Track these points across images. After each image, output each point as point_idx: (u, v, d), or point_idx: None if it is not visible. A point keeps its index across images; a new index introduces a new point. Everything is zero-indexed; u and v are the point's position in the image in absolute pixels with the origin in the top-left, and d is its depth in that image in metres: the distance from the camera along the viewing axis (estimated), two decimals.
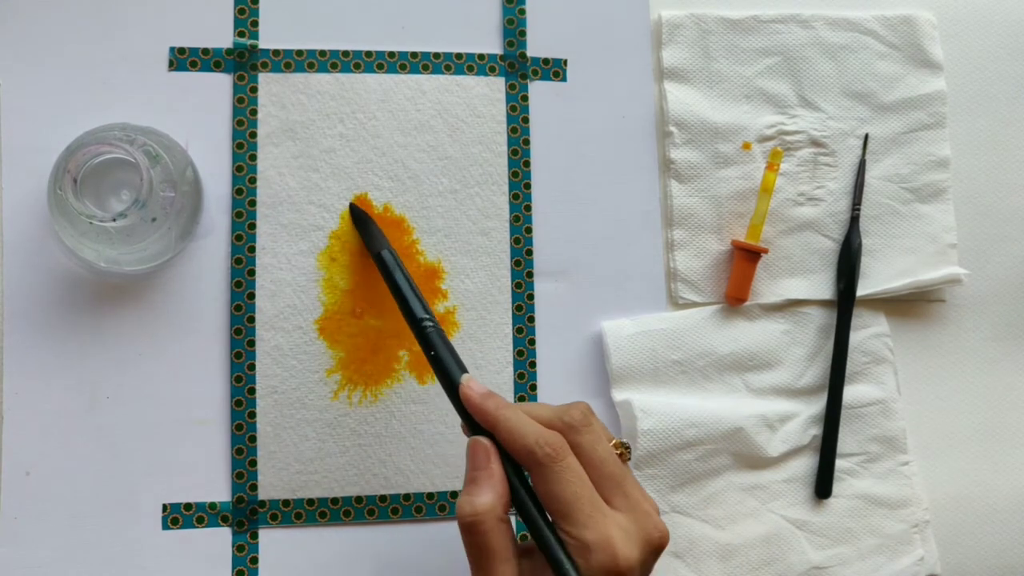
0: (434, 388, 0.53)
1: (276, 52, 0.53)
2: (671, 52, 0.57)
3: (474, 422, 0.41)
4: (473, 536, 0.38)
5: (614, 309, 0.55)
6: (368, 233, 0.51)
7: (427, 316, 0.46)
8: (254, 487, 0.51)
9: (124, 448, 0.50)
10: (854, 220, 0.57)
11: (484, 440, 0.40)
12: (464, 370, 0.43)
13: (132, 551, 0.49)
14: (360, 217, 0.52)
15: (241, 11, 0.54)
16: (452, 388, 0.42)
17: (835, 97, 0.58)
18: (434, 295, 0.53)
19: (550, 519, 0.38)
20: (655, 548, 0.39)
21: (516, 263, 0.55)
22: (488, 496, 0.38)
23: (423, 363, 0.53)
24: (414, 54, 0.55)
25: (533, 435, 0.38)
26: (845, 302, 0.56)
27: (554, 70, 0.56)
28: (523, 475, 0.40)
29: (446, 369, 0.43)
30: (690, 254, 0.56)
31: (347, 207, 0.53)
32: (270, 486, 0.51)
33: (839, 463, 0.56)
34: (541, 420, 0.40)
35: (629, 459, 0.42)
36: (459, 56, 0.55)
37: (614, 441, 0.41)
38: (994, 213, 0.60)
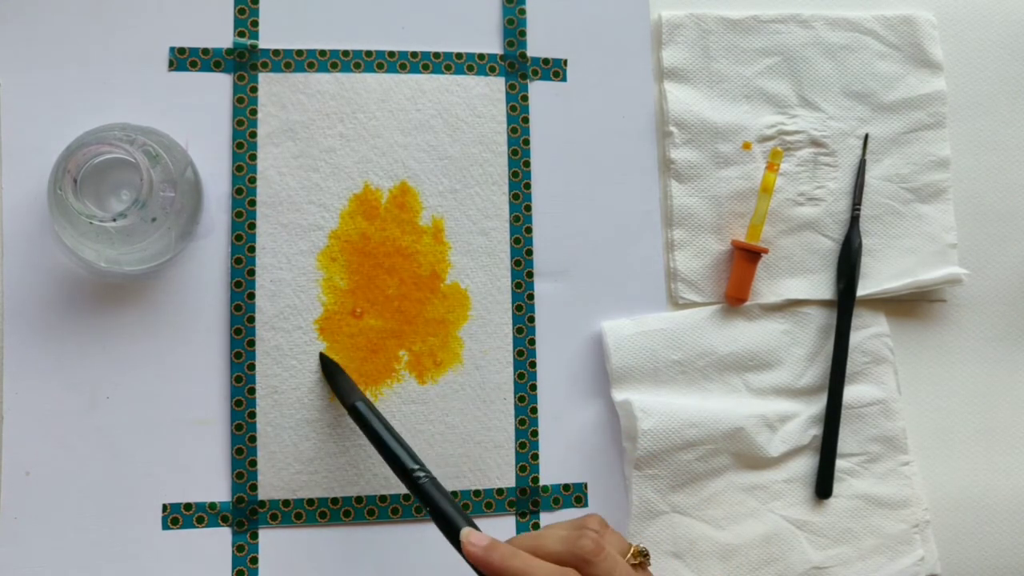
0: (434, 388, 0.53)
1: (276, 52, 0.53)
2: (671, 52, 0.57)
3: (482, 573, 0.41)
4: None
5: (614, 309, 0.55)
6: (339, 385, 0.50)
7: (417, 467, 0.45)
8: (254, 487, 0.51)
9: (124, 448, 0.50)
10: (854, 220, 0.57)
11: None
12: (468, 521, 0.43)
13: (132, 551, 0.49)
14: (329, 368, 0.51)
15: (241, 11, 0.54)
16: (455, 541, 0.42)
17: (835, 97, 0.58)
18: (434, 295, 0.53)
19: None
20: None
21: (516, 263, 0.55)
22: None
23: (423, 363, 0.53)
24: (414, 54, 0.55)
25: None
26: (845, 302, 0.56)
27: (554, 70, 0.56)
28: None
29: (448, 522, 0.43)
30: (690, 254, 0.56)
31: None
32: (270, 486, 0.51)
33: (839, 463, 0.56)
34: (550, 556, 0.40)
35: (649, 565, 0.42)
36: (459, 56, 0.55)
37: (631, 551, 0.41)
38: (994, 213, 0.60)
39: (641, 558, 0.41)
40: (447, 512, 0.43)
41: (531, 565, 0.39)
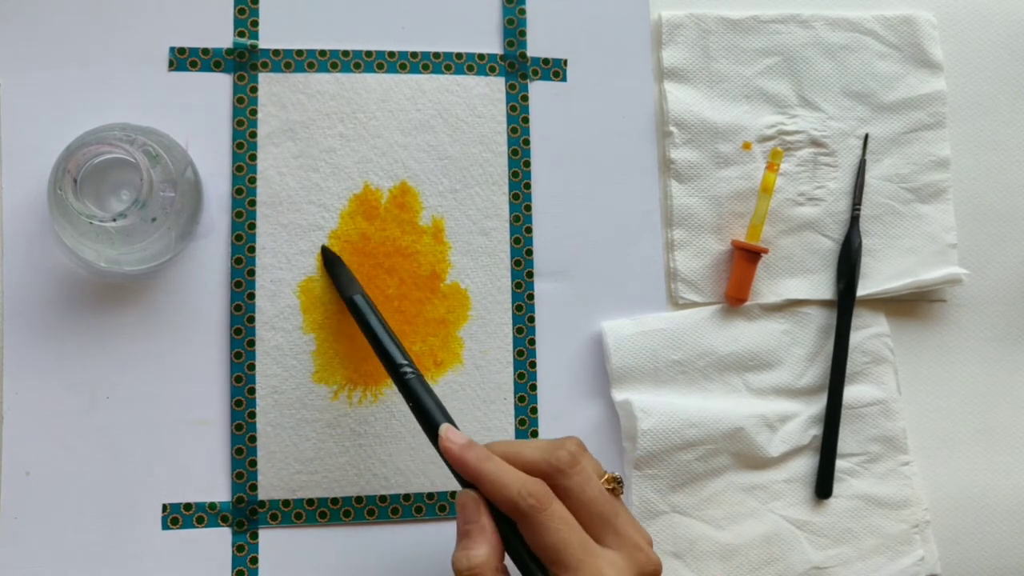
0: (434, 388, 0.52)
1: (276, 52, 0.53)
2: (671, 52, 0.57)
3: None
4: None
5: (614, 309, 0.55)
6: (338, 277, 0.51)
7: (406, 362, 0.45)
8: (254, 487, 0.51)
9: (124, 448, 0.50)
10: (854, 220, 0.57)
11: (472, 493, 0.40)
12: (447, 417, 0.43)
13: (132, 551, 0.49)
14: (331, 260, 0.52)
15: (241, 11, 0.54)
16: (434, 437, 0.42)
17: (835, 97, 0.58)
18: (434, 295, 0.53)
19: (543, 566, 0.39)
20: None
21: (516, 263, 0.55)
22: (483, 549, 0.38)
23: (423, 363, 0.53)
24: (414, 54, 0.55)
25: (515, 486, 0.38)
26: (845, 302, 0.56)
27: (554, 70, 0.56)
28: (513, 524, 0.40)
29: (428, 417, 0.43)
30: (690, 254, 0.56)
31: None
32: (270, 486, 0.51)
33: (839, 463, 0.56)
34: (527, 464, 0.40)
35: (621, 493, 0.42)
36: (459, 56, 0.55)
37: (606, 476, 0.41)
38: (994, 213, 0.60)
39: (615, 484, 0.41)
40: (428, 408, 0.43)
41: (503, 469, 0.39)
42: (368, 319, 0.48)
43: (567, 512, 0.39)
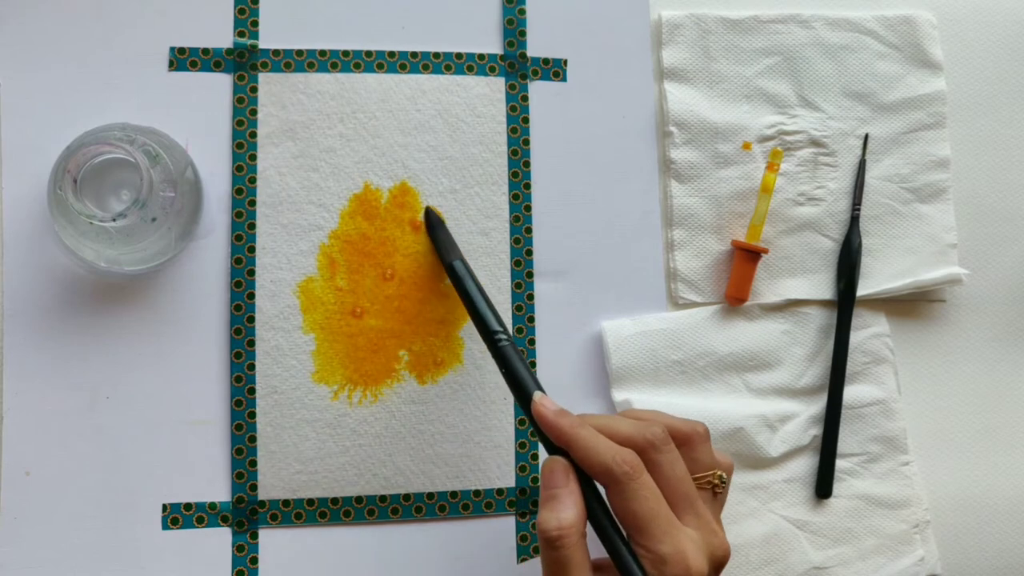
0: (434, 388, 0.53)
1: (276, 52, 0.53)
2: (671, 52, 0.57)
3: (548, 439, 0.42)
4: (557, 551, 0.39)
5: (614, 309, 0.55)
6: (440, 241, 0.52)
7: (500, 329, 0.46)
8: (254, 487, 0.51)
9: (124, 448, 0.50)
10: (854, 220, 0.57)
11: (561, 459, 0.41)
12: (539, 387, 0.44)
13: (132, 551, 0.49)
14: (433, 223, 0.52)
15: (241, 11, 0.54)
16: (526, 404, 0.43)
17: (835, 97, 0.58)
18: (434, 295, 0.53)
19: (624, 535, 0.40)
20: (719, 563, 0.41)
21: (516, 263, 0.55)
22: (571, 512, 0.39)
23: (423, 363, 0.53)
24: (414, 54, 0.55)
25: (609, 453, 0.39)
26: (845, 302, 0.56)
27: (554, 70, 0.56)
28: (597, 492, 0.41)
29: (520, 385, 0.44)
30: (690, 254, 0.56)
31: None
32: (270, 486, 0.51)
33: (839, 463, 0.56)
34: (618, 436, 0.41)
35: (721, 491, 0.43)
36: (459, 56, 0.55)
37: (713, 472, 0.42)
38: (994, 213, 0.60)
39: (718, 480, 0.43)
40: (522, 376, 0.44)
41: (597, 436, 0.40)
42: (466, 285, 0.49)
43: (655, 485, 0.39)
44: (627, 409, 0.43)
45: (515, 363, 0.45)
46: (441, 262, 0.51)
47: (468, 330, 0.53)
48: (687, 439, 0.42)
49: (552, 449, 0.42)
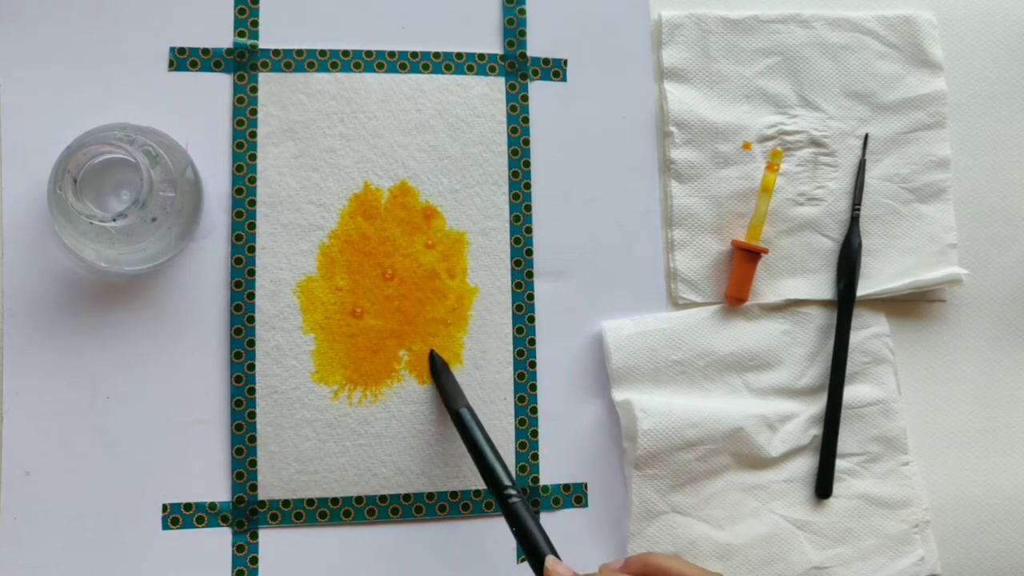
0: (434, 388, 0.53)
1: (276, 52, 0.53)
2: (671, 52, 0.57)
3: None
4: None
5: (614, 309, 0.55)
6: (446, 388, 0.51)
7: (510, 484, 0.45)
8: (254, 487, 0.51)
9: (124, 448, 0.50)
10: (854, 220, 0.57)
11: None
12: (550, 545, 0.43)
13: (132, 551, 0.49)
14: (439, 369, 0.52)
15: (241, 11, 0.54)
16: (538, 567, 0.43)
17: (835, 97, 0.58)
18: (434, 295, 0.53)
19: None
20: None
21: (516, 263, 0.55)
22: None
23: (423, 363, 0.53)
24: (414, 54, 0.55)
25: None
26: (845, 302, 0.56)
27: (554, 70, 0.56)
28: None
29: (533, 547, 0.43)
30: (690, 254, 0.56)
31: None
32: (270, 486, 0.51)
33: (839, 463, 0.56)
34: None
35: None
36: (459, 56, 0.55)
37: None
38: (994, 213, 0.60)
39: None
40: (534, 537, 0.43)
41: None
42: (474, 435, 0.48)
43: None
44: (647, 556, 0.43)
45: (527, 523, 0.44)
46: (447, 408, 0.50)
47: (468, 330, 0.53)
48: None
49: None
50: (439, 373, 0.51)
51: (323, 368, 0.52)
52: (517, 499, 0.45)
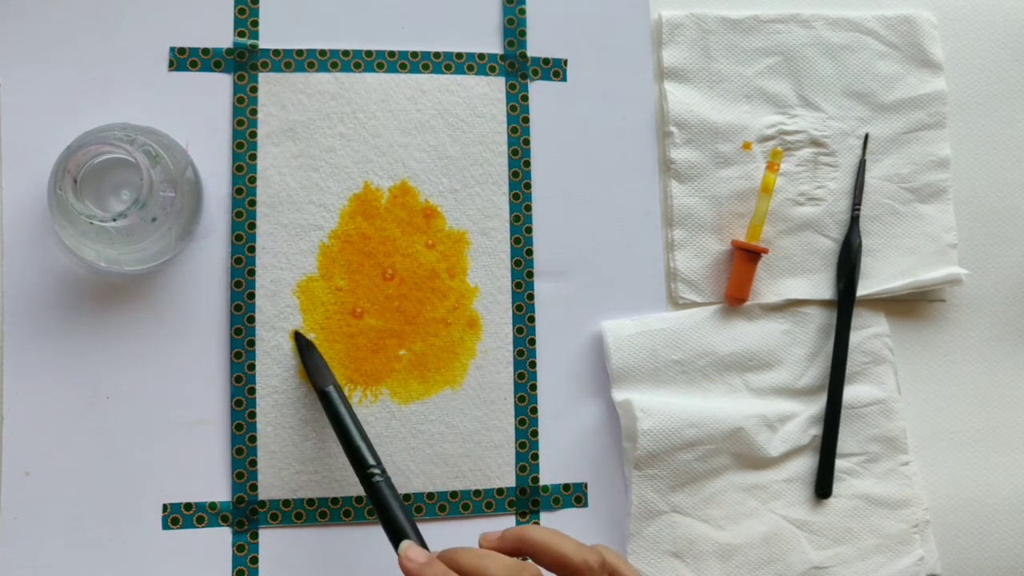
0: (434, 388, 0.53)
1: (276, 52, 0.53)
2: (671, 52, 0.57)
3: None
4: None
5: (614, 309, 0.55)
6: (312, 366, 0.50)
7: (374, 464, 0.45)
8: (254, 487, 0.51)
9: (124, 448, 0.50)
10: (854, 220, 0.57)
11: None
12: (414, 530, 0.43)
13: (132, 551, 0.49)
14: (303, 347, 0.51)
15: (241, 11, 0.54)
16: (397, 548, 0.42)
17: (835, 97, 0.58)
18: (434, 295, 0.53)
19: None
20: None
21: (516, 263, 0.55)
22: None
23: (423, 363, 0.53)
24: (414, 54, 0.55)
25: None
26: (845, 302, 0.56)
27: (554, 70, 0.56)
28: None
29: (395, 529, 0.43)
30: (690, 254, 0.56)
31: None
32: (270, 486, 0.51)
33: (839, 463, 0.56)
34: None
35: None
36: (459, 56, 0.55)
37: None
38: (994, 213, 0.60)
39: None
40: (396, 518, 0.43)
41: None
42: (340, 413, 0.47)
43: None
44: (523, 529, 0.41)
45: (390, 503, 0.44)
46: (313, 386, 0.50)
47: (483, 336, 0.53)
48: (577, 572, 0.40)
49: None
50: (304, 352, 0.50)
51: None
52: (381, 479, 0.44)
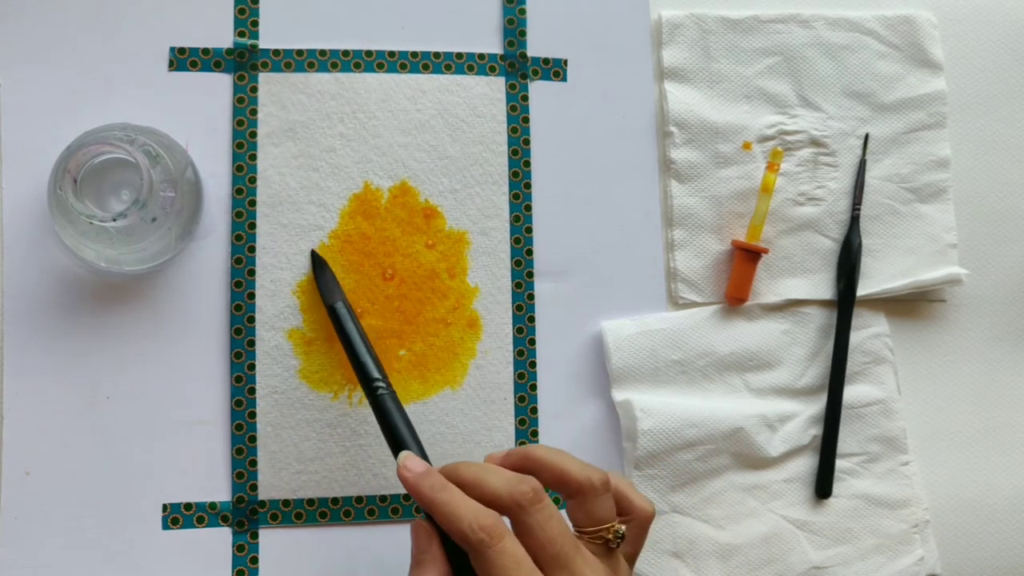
0: (434, 388, 0.53)
1: (276, 52, 0.53)
2: (671, 52, 0.57)
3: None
4: None
5: (614, 309, 0.55)
6: (324, 282, 0.50)
7: (379, 378, 0.45)
8: (254, 487, 0.51)
9: (124, 448, 0.50)
10: (854, 220, 0.57)
11: (425, 523, 0.39)
12: (416, 441, 0.43)
13: (132, 551, 0.49)
14: (318, 264, 0.51)
15: (241, 11, 0.54)
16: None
17: (835, 97, 0.58)
18: (434, 295, 0.53)
19: None
20: None
21: (516, 263, 0.55)
22: None
23: (423, 363, 0.53)
24: (414, 54, 0.55)
25: (467, 518, 0.37)
26: (845, 302, 0.56)
27: (554, 70, 0.56)
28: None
29: (396, 440, 0.43)
30: (690, 254, 0.56)
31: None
32: (270, 486, 0.51)
33: (839, 463, 0.56)
34: (488, 495, 0.38)
35: (615, 545, 0.40)
36: (459, 56, 0.55)
37: (607, 526, 0.40)
38: (994, 213, 0.60)
39: (613, 535, 0.40)
40: (398, 429, 0.43)
41: (457, 500, 0.38)
42: (347, 328, 0.48)
43: (520, 549, 0.37)
44: (529, 447, 0.41)
45: (393, 416, 0.44)
46: (323, 302, 0.50)
47: (483, 336, 0.53)
48: (579, 490, 0.39)
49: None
50: (318, 268, 0.51)
51: (323, 368, 0.52)
52: (385, 391, 0.45)
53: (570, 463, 0.40)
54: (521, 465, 0.41)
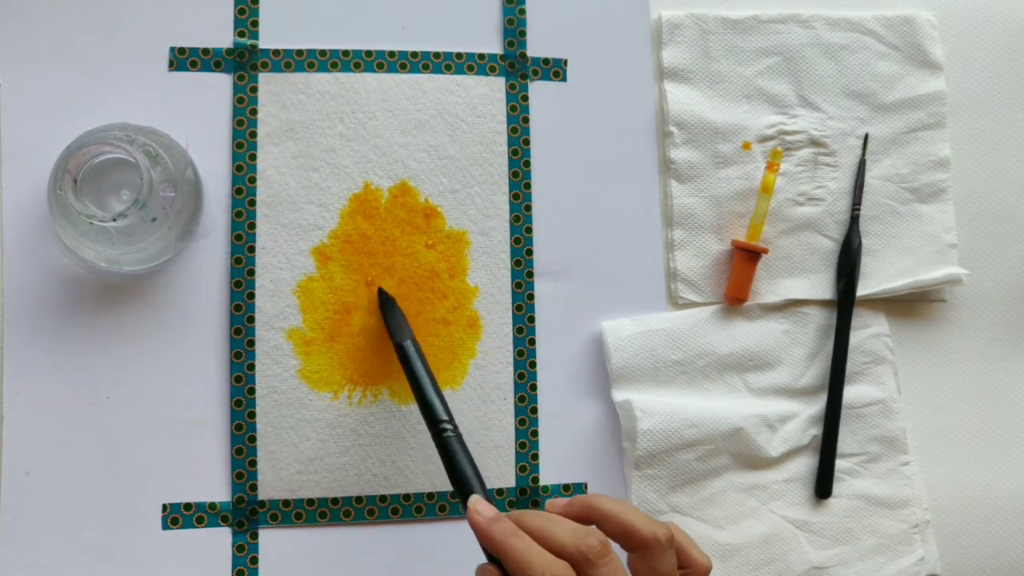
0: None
1: (276, 52, 0.53)
2: (671, 52, 0.57)
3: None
4: None
5: (614, 309, 0.55)
6: (394, 320, 0.51)
7: (447, 419, 0.45)
8: (254, 487, 0.51)
9: (124, 448, 0.50)
10: (854, 220, 0.57)
11: (493, 570, 0.39)
12: (481, 484, 0.43)
13: (132, 551, 0.49)
14: (386, 303, 0.52)
15: (241, 11, 0.54)
16: (465, 503, 0.42)
17: (835, 97, 0.58)
18: (434, 295, 0.53)
19: None
20: None
21: (516, 263, 0.55)
22: None
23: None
24: (414, 54, 0.55)
25: (540, 567, 0.37)
26: (845, 302, 0.56)
27: (554, 70, 0.56)
28: None
29: (463, 484, 0.43)
30: (690, 254, 0.56)
31: (375, 291, 0.52)
32: (270, 486, 0.51)
33: (839, 463, 0.56)
34: (556, 546, 0.39)
35: None
36: (459, 56, 0.55)
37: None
38: (994, 213, 0.60)
39: None
40: (465, 473, 0.43)
41: (530, 549, 0.38)
42: (415, 368, 0.48)
43: None
44: (591, 497, 0.41)
45: (459, 459, 0.44)
46: (392, 340, 0.50)
47: (482, 336, 0.53)
48: (644, 545, 0.40)
49: (489, 554, 0.40)
50: (385, 306, 0.51)
51: (323, 368, 0.52)
52: (452, 434, 0.45)
53: (635, 516, 0.40)
54: (584, 515, 0.41)
